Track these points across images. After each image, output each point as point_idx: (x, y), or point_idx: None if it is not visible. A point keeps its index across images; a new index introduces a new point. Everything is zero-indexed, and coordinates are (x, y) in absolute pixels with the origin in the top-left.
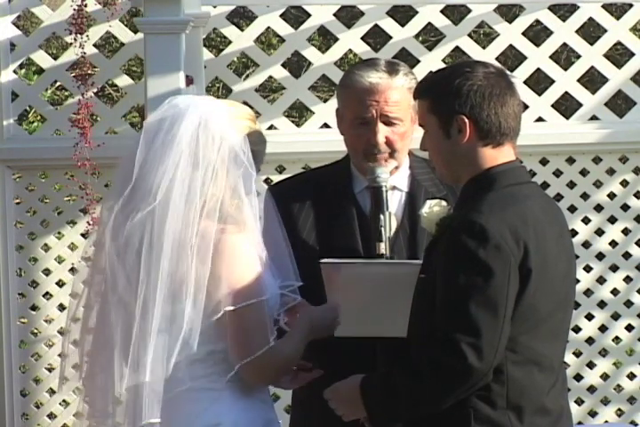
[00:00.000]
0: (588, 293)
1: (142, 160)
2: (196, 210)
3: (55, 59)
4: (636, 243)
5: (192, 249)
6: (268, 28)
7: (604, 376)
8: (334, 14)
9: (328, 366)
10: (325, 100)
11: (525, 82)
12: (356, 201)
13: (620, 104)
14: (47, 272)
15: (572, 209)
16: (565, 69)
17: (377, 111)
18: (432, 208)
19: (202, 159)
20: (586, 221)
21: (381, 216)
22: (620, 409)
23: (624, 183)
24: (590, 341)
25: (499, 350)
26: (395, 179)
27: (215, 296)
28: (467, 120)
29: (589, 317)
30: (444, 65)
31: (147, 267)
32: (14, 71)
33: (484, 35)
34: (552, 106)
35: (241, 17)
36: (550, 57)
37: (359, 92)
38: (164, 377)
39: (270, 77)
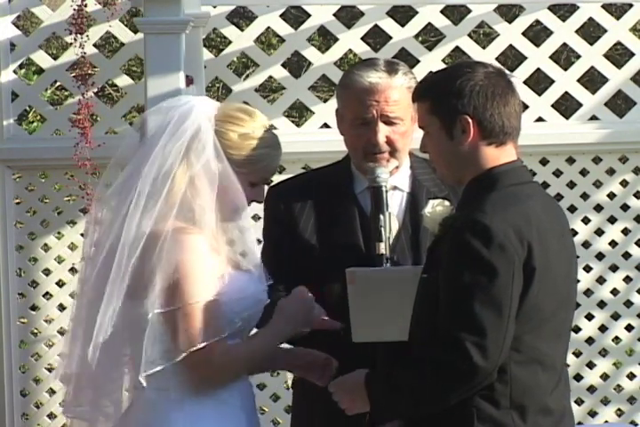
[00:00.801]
0: (587, 293)
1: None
2: (159, 207)
3: (55, 59)
4: (636, 243)
5: (143, 247)
6: (268, 28)
7: (604, 376)
8: (334, 14)
9: None
10: (325, 100)
11: (525, 82)
12: (357, 201)
13: (619, 104)
14: (47, 272)
15: (572, 209)
16: (565, 69)
17: (377, 111)
18: (435, 208)
19: (170, 158)
20: (586, 221)
21: (381, 216)
22: (619, 409)
23: (624, 183)
24: (590, 341)
25: (503, 349)
26: (396, 179)
27: (153, 296)
28: (470, 120)
29: (589, 317)
30: (444, 65)
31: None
32: (14, 71)
33: (483, 35)
34: (552, 106)
35: (241, 17)
36: (550, 57)
37: (359, 92)
38: (89, 369)
39: (270, 77)
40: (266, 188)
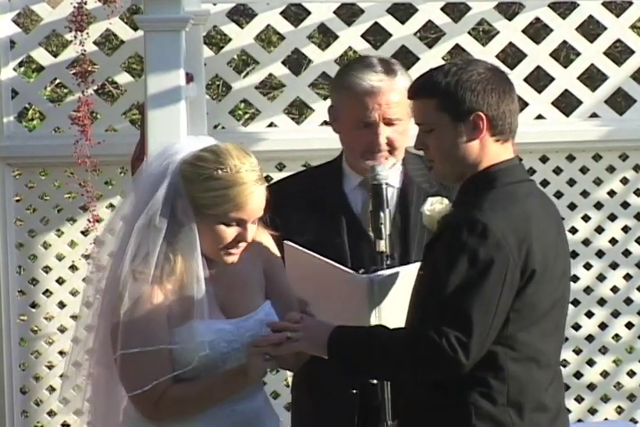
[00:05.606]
0: (587, 290)
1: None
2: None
3: (55, 56)
4: (636, 241)
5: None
6: (268, 25)
7: (604, 374)
8: (334, 12)
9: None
10: (325, 98)
11: (525, 79)
12: (347, 199)
13: (619, 102)
14: (47, 270)
15: (572, 207)
16: (565, 67)
17: (380, 115)
18: (434, 206)
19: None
20: (586, 218)
21: (381, 214)
22: (619, 407)
23: (624, 181)
24: (590, 338)
25: (484, 347)
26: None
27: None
28: (484, 117)
29: (589, 314)
30: (443, 63)
31: None
32: (14, 69)
33: (483, 32)
34: (552, 103)
35: (241, 14)
36: (550, 54)
37: (360, 94)
38: None
39: (270, 75)
40: (252, 227)
